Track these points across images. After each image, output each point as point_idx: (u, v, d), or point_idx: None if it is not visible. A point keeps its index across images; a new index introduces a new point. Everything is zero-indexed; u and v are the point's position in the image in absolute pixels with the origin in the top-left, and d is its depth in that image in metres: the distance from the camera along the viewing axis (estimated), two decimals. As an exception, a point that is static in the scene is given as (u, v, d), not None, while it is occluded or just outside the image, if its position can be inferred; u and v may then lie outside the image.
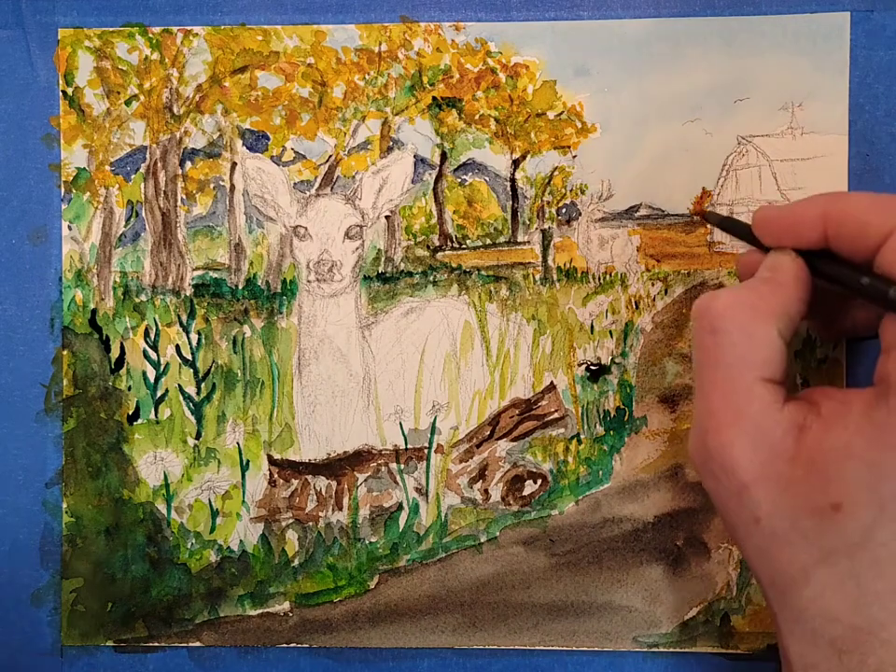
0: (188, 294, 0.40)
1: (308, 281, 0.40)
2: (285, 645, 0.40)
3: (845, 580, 0.27)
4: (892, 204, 0.28)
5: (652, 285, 0.40)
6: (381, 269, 0.40)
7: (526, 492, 0.40)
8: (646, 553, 0.39)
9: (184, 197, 0.40)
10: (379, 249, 0.40)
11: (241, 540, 0.40)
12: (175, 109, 0.40)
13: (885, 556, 0.26)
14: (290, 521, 0.40)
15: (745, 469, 0.28)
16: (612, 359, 0.40)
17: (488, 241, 0.40)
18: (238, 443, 0.40)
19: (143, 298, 0.40)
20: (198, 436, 0.40)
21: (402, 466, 0.40)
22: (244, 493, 0.40)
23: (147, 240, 0.40)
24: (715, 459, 0.29)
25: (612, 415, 0.40)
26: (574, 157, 0.40)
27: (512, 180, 0.40)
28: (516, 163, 0.40)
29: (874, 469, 0.26)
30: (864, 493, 0.26)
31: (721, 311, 0.29)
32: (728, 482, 0.28)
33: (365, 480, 0.40)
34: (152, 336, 0.40)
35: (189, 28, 0.40)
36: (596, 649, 0.39)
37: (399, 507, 0.40)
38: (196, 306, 0.40)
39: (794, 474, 0.27)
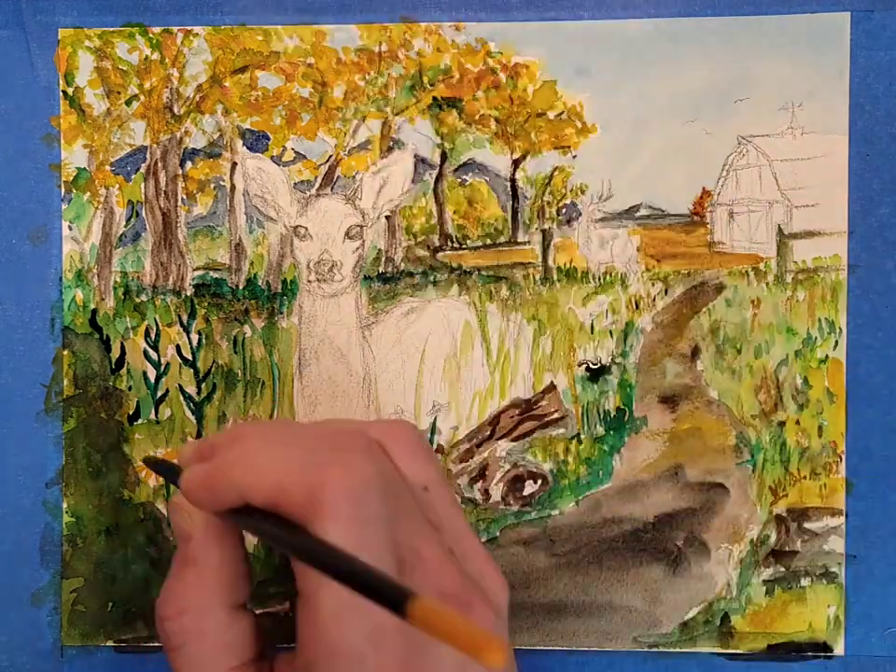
0: (188, 294, 0.40)
1: (308, 281, 0.40)
2: (285, 645, 0.40)
3: None
4: (296, 490, 0.26)
5: (652, 285, 0.40)
6: (381, 269, 0.40)
7: (527, 492, 0.40)
8: (646, 553, 0.39)
9: (184, 197, 0.40)
10: (379, 249, 0.40)
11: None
12: (175, 109, 0.40)
13: None
14: (290, 521, 0.40)
15: None
16: (612, 359, 0.40)
17: (488, 241, 0.40)
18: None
19: (143, 298, 0.40)
20: (198, 436, 0.40)
21: (402, 466, 0.40)
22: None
23: (148, 240, 0.40)
24: None
25: (612, 415, 0.40)
26: (574, 157, 0.40)
27: (513, 180, 0.40)
28: (516, 163, 0.40)
29: None
30: None
31: (172, 627, 0.29)
32: None
33: (365, 480, 0.40)
34: (152, 336, 0.40)
35: (189, 28, 0.40)
36: (596, 649, 0.39)
37: (400, 507, 0.40)
38: (196, 306, 0.40)
39: None
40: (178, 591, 0.30)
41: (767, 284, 0.40)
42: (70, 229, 0.40)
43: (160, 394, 0.40)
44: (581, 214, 0.40)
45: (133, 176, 0.40)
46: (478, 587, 0.28)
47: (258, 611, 0.40)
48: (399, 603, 0.21)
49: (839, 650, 0.39)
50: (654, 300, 0.40)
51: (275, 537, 0.26)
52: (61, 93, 0.40)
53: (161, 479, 0.40)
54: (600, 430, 0.40)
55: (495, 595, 0.29)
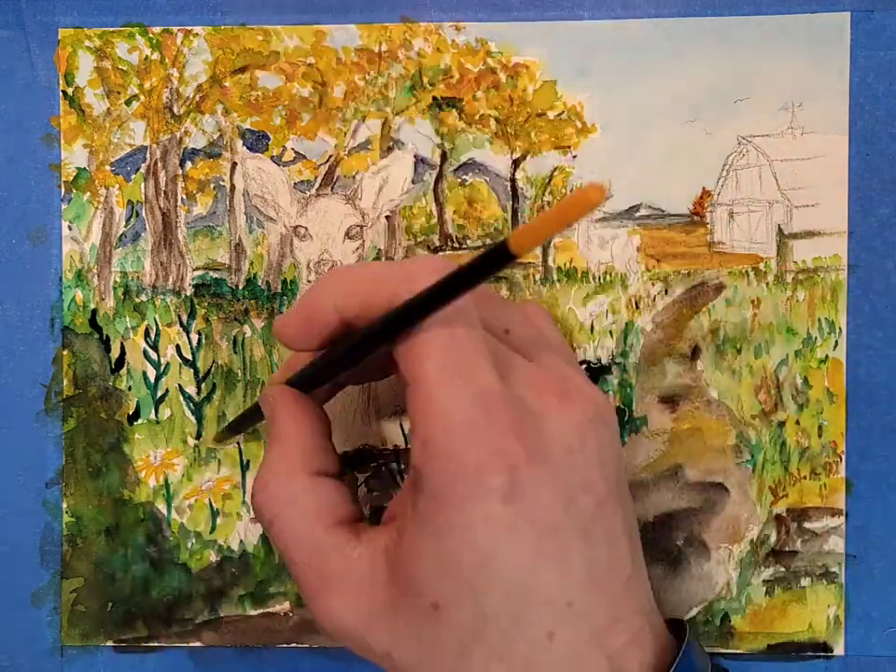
0: (188, 294, 0.40)
1: (308, 281, 0.40)
2: (285, 645, 0.40)
3: (484, 667, 0.26)
4: (393, 273, 0.27)
5: (652, 285, 0.40)
6: (381, 269, 0.40)
7: (527, 492, 0.40)
8: (646, 553, 0.39)
9: (184, 197, 0.40)
10: (379, 249, 0.40)
11: (241, 540, 0.40)
12: (175, 109, 0.40)
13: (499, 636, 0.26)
14: (290, 521, 0.40)
15: (353, 628, 0.28)
16: (612, 359, 0.40)
17: (488, 241, 0.40)
18: (238, 443, 0.40)
19: (143, 298, 0.40)
20: (198, 436, 0.40)
21: (402, 466, 0.40)
22: (244, 493, 0.40)
23: (148, 240, 0.40)
24: (328, 630, 0.29)
25: (612, 415, 0.40)
26: (574, 157, 0.40)
27: (513, 180, 0.40)
28: (516, 163, 0.40)
29: (443, 559, 0.26)
30: (448, 584, 0.26)
31: (262, 502, 0.30)
32: (350, 642, 0.28)
33: (365, 480, 0.40)
34: (152, 336, 0.40)
35: (189, 28, 0.40)
36: (597, 649, 0.39)
37: (400, 507, 0.40)
38: (196, 306, 0.40)
39: (395, 597, 0.27)
40: (265, 467, 0.30)
41: (767, 284, 0.40)
42: (70, 229, 0.40)
43: (160, 394, 0.40)
44: (580, 214, 0.40)
45: (132, 176, 0.40)
46: (580, 387, 0.28)
47: (258, 612, 0.40)
48: (504, 251, 0.21)
49: (839, 650, 0.39)
50: (654, 300, 0.40)
51: (370, 335, 0.27)
52: (61, 93, 0.40)
53: (160, 479, 0.40)
54: (600, 430, 0.40)
55: (602, 406, 0.29)
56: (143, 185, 0.40)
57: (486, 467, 0.25)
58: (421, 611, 0.26)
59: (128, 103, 0.40)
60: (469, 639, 0.26)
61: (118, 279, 0.40)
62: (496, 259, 0.22)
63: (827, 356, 0.39)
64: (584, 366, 0.40)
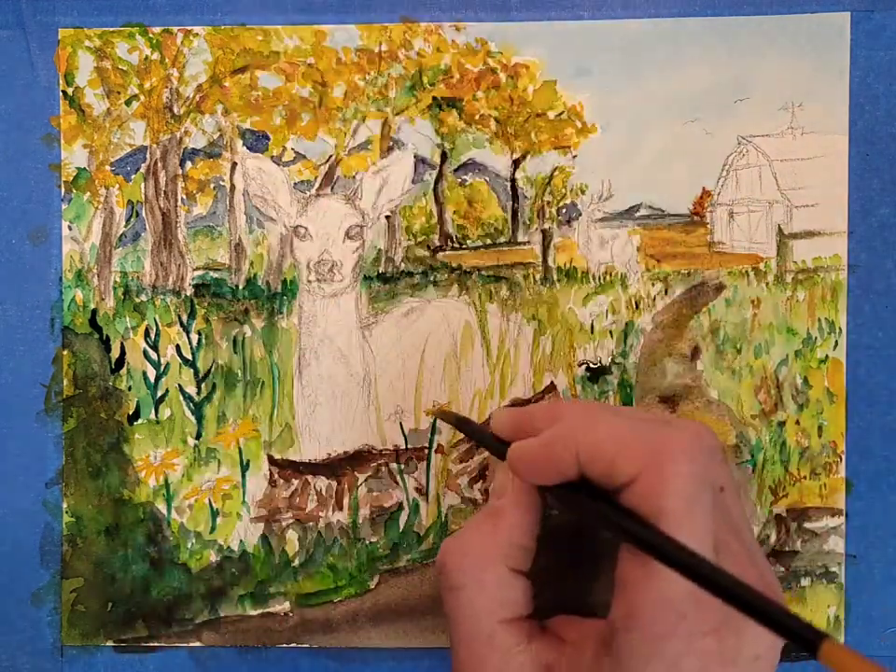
0: (188, 294, 0.40)
1: (308, 281, 0.40)
2: (285, 645, 0.40)
3: None
4: (638, 446, 0.27)
5: (652, 285, 0.40)
6: (381, 269, 0.40)
7: (527, 492, 0.40)
8: (646, 553, 0.39)
9: (184, 197, 0.40)
10: (379, 249, 0.40)
11: (241, 540, 0.40)
12: (175, 109, 0.40)
13: None
14: (290, 521, 0.40)
15: None
16: (612, 359, 0.40)
17: (488, 241, 0.40)
18: (238, 443, 0.40)
19: (143, 298, 0.40)
20: (198, 436, 0.40)
21: (402, 466, 0.40)
22: (244, 493, 0.40)
23: (148, 240, 0.40)
24: None
25: (612, 415, 0.40)
26: (574, 157, 0.40)
27: (512, 180, 0.40)
28: (516, 163, 0.40)
29: None
30: None
31: (454, 566, 0.30)
32: None
33: (365, 480, 0.40)
34: (152, 336, 0.40)
35: (189, 28, 0.40)
36: (597, 649, 0.39)
37: (400, 507, 0.40)
38: (196, 306, 0.40)
39: None
40: (470, 537, 0.31)
41: (767, 284, 0.40)
42: (70, 229, 0.40)
43: (160, 394, 0.40)
44: (581, 214, 0.40)
45: (132, 176, 0.40)
46: (776, 591, 0.29)
47: (258, 612, 0.40)
48: (810, 642, 0.22)
49: (839, 650, 0.39)
50: (654, 300, 0.40)
51: (617, 520, 0.27)
52: (61, 93, 0.40)
53: (160, 479, 0.40)
54: (600, 430, 0.40)
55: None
56: (143, 185, 0.40)
57: (681, 663, 0.26)
58: None
59: (128, 103, 0.40)
60: None
61: (118, 279, 0.40)
62: (795, 636, 0.22)
63: (827, 356, 0.39)
64: (584, 366, 0.40)
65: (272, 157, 0.40)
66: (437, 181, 0.40)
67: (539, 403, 0.32)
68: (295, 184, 0.40)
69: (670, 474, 0.26)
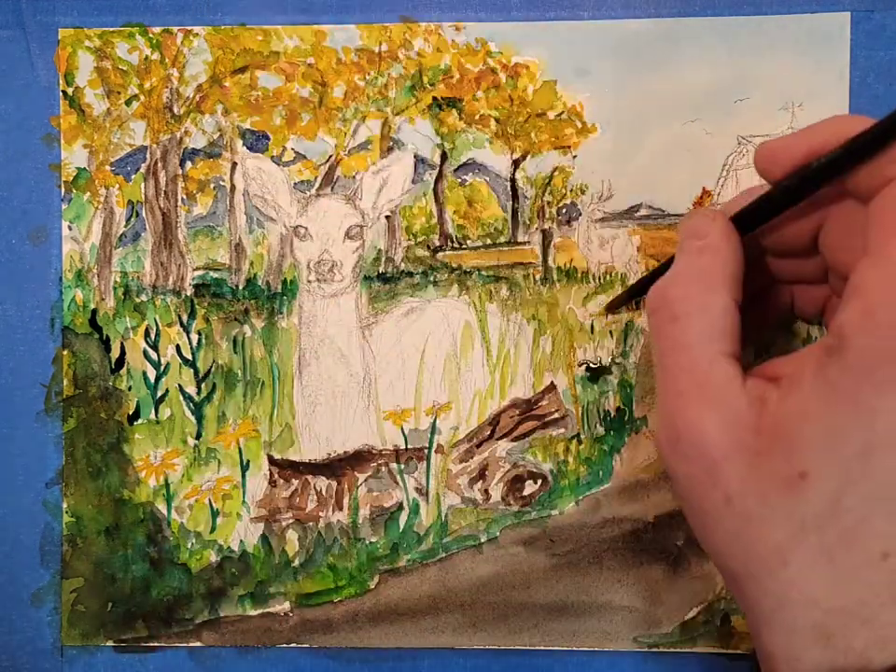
0: (188, 294, 0.40)
1: (308, 281, 0.40)
2: (285, 645, 0.40)
3: (817, 557, 0.25)
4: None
5: (652, 285, 0.40)
6: (381, 269, 0.40)
7: (527, 492, 0.40)
8: (646, 553, 0.39)
9: (184, 197, 0.40)
10: (379, 249, 0.40)
11: (241, 540, 0.40)
12: (175, 109, 0.40)
13: (852, 525, 0.25)
14: (290, 521, 0.40)
15: (715, 445, 0.27)
16: (612, 359, 0.40)
17: (488, 241, 0.40)
18: (238, 443, 0.40)
19: (143, 298, 0.40)
20: (198, 436, 0.40)
21: (402, 466, 0.40)
22: (244, 493, 0.40)
23: (148, 240, 0.40)
24: (685, 438, 0.27)
25: (612, 415, 0.40)
26: (574, 157, 0.40)
27: (513, 180, 0.40)
28: (516, 163, 0.40)
29: (832, 431, 0.25)
30: (826, 457, 0.25)
31: (679, 296, 0.29)
32: (699, 460, 0.27)
33: (365, 480, 0.40)
34: (152, 336, 0.40)
35: (189, 28, 0.40)
36: (596, 649, 0.39)
37: (400, 507, 0.40)
38: (196, 306, 0.40)
39: (760, 447, 0.26)
40: (689, 272, 0.29)
41: (767, 284, 0.40)
42: (70, 229, 0.40)
43: (160, 394, 0.40)
44: (581, 214, 0.40)
45: (133, 176, 0.40)
46: None
47: (258, 612, 0.40)
48: None
49: (839, 650, 0.39)
50: (654, 300, 0.40)
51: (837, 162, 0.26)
52: (61, 93, 0.40)
53: (160, 479, 0.40)
54: (600, 430, 0.40)
55: None
56: (143, 185, 0.40)
57: None
58: (783, 474, 0.25)
59: (128, 103, 0.40)
60: (818, 522, 0.25)
61: (118, 279, 0.40)
62: None
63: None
64: (584, 366, 0.40)
65: (272, 157, 0.40)
66: (437, 181, 0.40)
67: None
68: (295, 184, 0.40)
69: None
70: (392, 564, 0.40)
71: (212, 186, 0.40)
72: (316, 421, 0.40)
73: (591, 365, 0.40)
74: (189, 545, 0.40)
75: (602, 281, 0.40)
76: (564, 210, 0.40)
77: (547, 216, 0.40)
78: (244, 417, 0.40)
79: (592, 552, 0.40)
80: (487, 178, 0.40)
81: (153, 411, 0.40)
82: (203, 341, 0.40)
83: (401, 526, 0.40)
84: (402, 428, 0.40)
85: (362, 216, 0.40)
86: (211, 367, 0.40)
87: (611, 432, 0.40)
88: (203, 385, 0.40)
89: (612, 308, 0.40)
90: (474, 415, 0.40)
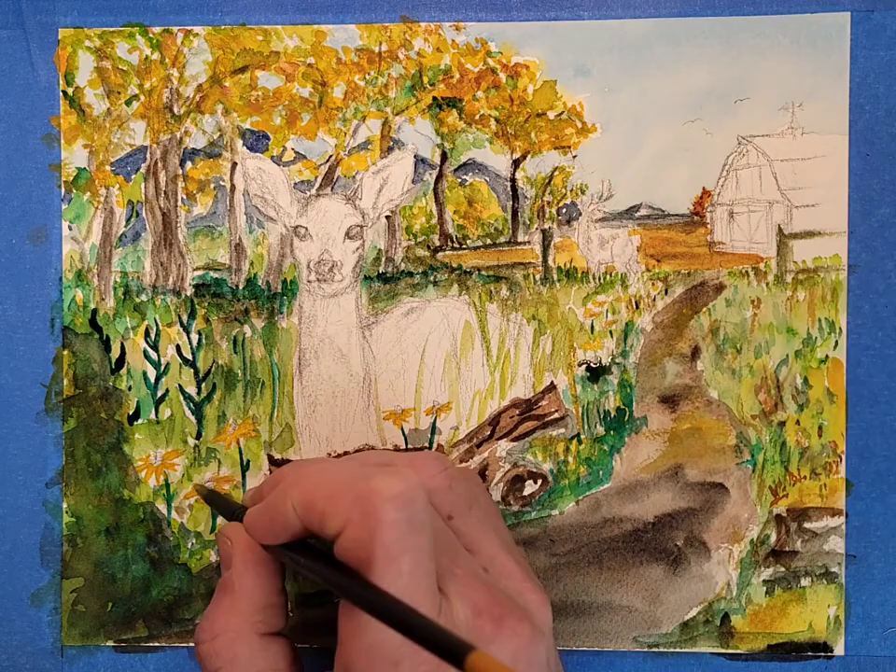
0: (188, 294, 0.40)
1: (308, 281, 0.40)
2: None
3: None
4: (346, 496, 0.27)
5: (653, 285, 0.40)
6: (381, 269, 0.40)
7: (527, 492, 0.40)
8: (646, 553, 0.39)
9: (184, 197, 0.40)
10: (379, 249, 0.40)
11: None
12: (175, 109, 0.40)
13: None
14: (290, 521, 0.40)
15: None
16: (612, 359, 0.40)
17: (488, 241, 0.40)
18: (238, 443, 0.40)
19: (143, 298, 0.40)
20: (198, 436, 0.40)
21: (402, 466, 0.40)
22: (244, 493, 0.40)
23: (148, 240, 0.40)
24: None
25: (612, 415, 0.40)
26: (574, 157, 0.40)
27: (513, 180, 0.40)
28: (516, 163, 0.40)
29: None
30: None
31: (206, 652, 0.31)
32: None
33: (365, 480, 0.40)
34: (152, 336, 0.40)
35: (189, 28, 0.40)
36: (596, 649, 0.39)
37: (400, 507, 0.40)
38: (196, 306, 0.40)
39: None
40: (214, 616, 0.31)
41: (767, 284, 0.40)
42: (70, 229, 0.40)
43: (160, 394, 0.40)
44: (581, 214, 0.40)
45: (133, 176, 0.40)
46: (513, 602, 0.29)
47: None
48: (457, 656, 0.22)
49: (839, 650, 0.39)
50: (654, 300, 0.40)
51: (326, 575, 0.28)
52: (61, 93, 0.40)
53: (160, 479, 0.40)
54: (600, 430, 0.40)
55: (534, 610, 0.30)
56: (143, 185, 0.40)
57: None
58: None
59: (128, 103, 0.40)
60: None
61: (118, 279, 0.40)
62: (444, 650, 0.22)
63: (827, 356, 0.39)
64: (584, 366, 0.40)
65: (272, 157, 0.40)
66: (437, 181, 0.40)
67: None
68: (295, 184, 0.40)
69: (375, 523, 0.26)
70: (392, 564, 0.40)
71: (212, 186, 0.40)
72: (316, 421, 0.40)
73: (591, 365, 0.40)
74: (190, 545, 0.40)
75: (602, 281, 0.40)
76: (564, 210, 0.40)
77: (547, 216, 0.40)
78: (244, 417, 0.40)
79: (592, 552, 0.40)
80: (487, 178, 0.40)
81: (153, 411, 0.40)
82: (204, 341, 0.40)
83: (401, 526, 0.40)
84: (402, 428, 0.40)
85: (362, 216, 0.40)
86: (211, 367, 0.40)
87: (611, 432, 0.40)
88: (203, 385, 0.40)
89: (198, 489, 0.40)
90: (474, 415, 0.40)
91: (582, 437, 0.40)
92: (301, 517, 0.29)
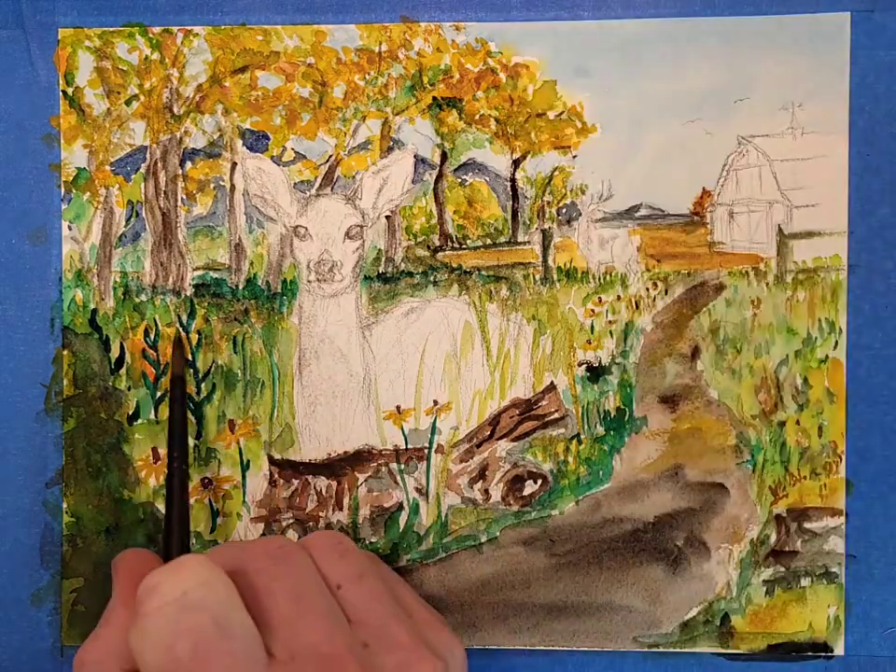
0: (188, 294, 0.40)
1: (308, 281, 0.40)
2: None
3: None
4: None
5: (653, 285, 0.40)
6: (381, 269, 0.40)
7: (527, 492, 0.40)
8: (646, 553, 0.40)
9: (184, 197, 0.40)
10: (379, 249, 0.40)
11: (241, 540, 0.40)
12: (175, 109, 0.40)
13: None
14: (291, 521, 0.40)
15: None
16: (612, 359, 0.40)
17: (488, 241, 0.41)
18: (238, 443, 0.40)
19: (143, 298, 0.40)
20: (198, 436, 0.40)
21: (402, 466, 0.40)
22: (244, 493, 0.40)
23: (148, 240, 0.40)
24: None
25: (612, 415, 0.40)
26: (574, 157, 0.40)
27: (513, 180, 0.40)
28: (516, 163, 0.40)
29: None
30: None
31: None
32: None
33: (365, 480, 0.40)
34: (152, 336, 0.40)
35: (189, 28, 0.40)
36: (596, 649, 0.39)
37: (400, 507, 0.40)
38: (196, 306, 0.40)
39: None
40: (88, 645, 0.32)
41: (767, 284, 0.40)
42: (70, 229, 0.40)
43: (159, 394, 0.40)
44: (581, 214, 0.40)
45: (132, 176, 0.40)
46: None
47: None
48: None
49: (839, 650, 0.39)
50: (654, 300, 0.40)
51: None
52: (61, 93, 0.40)
53: (160, 479, 0.40)
54: (600, 430, 0.40)
55: (447, 653, 0.32)
56: (143, 185, 0.40)
57: None
58: None
59: (128, 103, 0.40)
60: None
61: (118, 279, 0.40)
62: None
63: (827, 356, 0.39)
64: (584, 366, 0.40)
65: (272, 157, 0.40)
66: (437, 181, 0.40)
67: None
68: (295, 184, 0.40)
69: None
70: (392, 564, 0.40)
71: (212, 186, 0.40)
72: (316, 421, 0.40)
73: (591, 365, 0.40)
74: (190, 545, 0.40)
75: (602, 281, 0.40)
76: (564, 210, 0.40)
77: (547, 216, 0.40)
78: (244, 417, 0.40)
79: (592, 552, 0.40)
80: (487, 178, 0.40)
81: (153, 411, 0.40)
82: (203, 341, 0.40)
83: (401, 526, 0.40)
84: (402, 428, 0.40)
85: (362, 216, 0.40)
86: (211, 367, 0.40)
87: (611, 432, 0.40)
88: (203, 385, 0.40)
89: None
90: (474, 415, 0.40)
91: (582, 437, 0.40)
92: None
